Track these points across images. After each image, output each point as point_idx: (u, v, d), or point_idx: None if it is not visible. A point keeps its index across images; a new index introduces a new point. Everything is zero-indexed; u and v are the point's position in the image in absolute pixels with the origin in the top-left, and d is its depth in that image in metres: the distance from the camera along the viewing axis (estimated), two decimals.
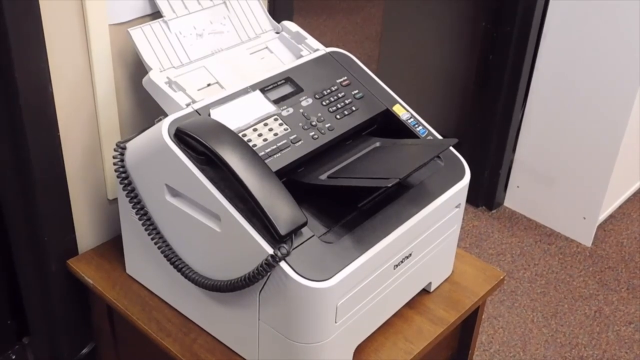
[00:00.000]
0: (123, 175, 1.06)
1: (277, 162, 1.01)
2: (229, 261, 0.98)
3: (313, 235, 0.95)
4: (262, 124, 1.05)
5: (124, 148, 1.07)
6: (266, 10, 1.25)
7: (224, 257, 0.99)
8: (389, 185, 0.91)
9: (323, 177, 1.05)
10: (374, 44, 3.32)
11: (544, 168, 2.31)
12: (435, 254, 1.15)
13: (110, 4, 1.14)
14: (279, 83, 1.11)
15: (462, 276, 1.25)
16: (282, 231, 0.90)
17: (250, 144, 1.01)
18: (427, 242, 1.11)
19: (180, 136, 0.97)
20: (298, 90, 1.12)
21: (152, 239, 1.07)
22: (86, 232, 1.28)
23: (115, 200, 1.18)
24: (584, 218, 2.27)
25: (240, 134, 1.02)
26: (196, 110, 1.03)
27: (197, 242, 1.02)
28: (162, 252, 1.06)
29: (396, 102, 1.17)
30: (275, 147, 1.02)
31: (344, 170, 1.07)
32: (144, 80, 1.10)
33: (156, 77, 1.08)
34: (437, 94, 2.56)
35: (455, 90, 2.51)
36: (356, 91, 1.15)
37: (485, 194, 2.43)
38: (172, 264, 1.05)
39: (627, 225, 2.38)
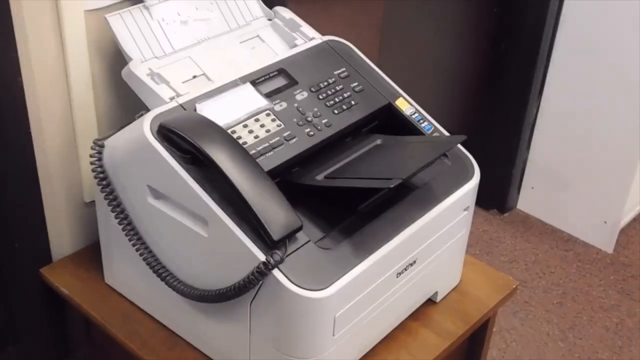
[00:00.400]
0: (101, 175, 1.07)
1: (270, 161, 1.01)
2: (217, 269, 0.99)
3: (309, 241, 0.95)
4: (253, 119, 1.05)
5: (102, 146, 1.07)
6: None
7: (212, 264, 0.99)
8: (392, 186, 0.92)
9: (319, 177, 1.05)
10: (375, 32, 3.33)
11: (561, 167, 2.32)
12: (441, 261, 1.15)
13: None
14: (271, 75, 1.12)
15: (471, 285, 1.25)
16: (275, 236, 0.90)
17: (240, 141, 1.01)
18: (433, 248, 1.11)
19: (164, 133, 0.97)
20: (292, 82, 1.12)
21: (133, 245, 1.07)
22: (61, 238, 1.28)
23: (93, 203, 1.18)
24: (605, 222, 2.28)
25: (229, 131, 1.02)
26: (181, 105, 1.03)
27: (182, 249, 1.03)
28: (144, 259, 1.06)
29: (399, 95, 1.18)
30: (267, 144, 1.03)
31: (342, 170, 1.07)
32: (124, 71, 1.10)
33: (137, 68, 1.09)
34: (443, 86, 2.57)
35: (464, 83, 2.51)
36: (355, 84, 1.16)
37: (497, 195, 2.43)
38: (155, 272, 1.06)
39: None
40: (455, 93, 2.55)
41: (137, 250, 1.07)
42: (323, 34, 1.22)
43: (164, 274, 1.05)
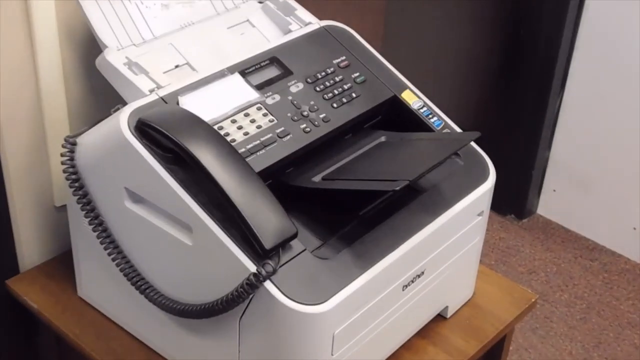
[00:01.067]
0: (73, 177, 1.07)
1: (261, 161, 1.01)
2: (203, 281, 0.99)
3: (305, 250, 0.95)
4: (242, 114, 1.05)
5: (74, 144, 1.07)
6: None
7: (197, 275, 0.99)
8: (397, 188, 0.92)
9: (317, 178, 1.05)
10: (378, 17, 3.33)
11: (585, 168, 2.32)
12: (452, 272, 1.15)
13: None
14: (262, 64, 1.12)
15: (485, 299, 1.25)
16: (267, 244, 0.90)
17: (228, 138, 1.01)
18: (443, 258, 1.11)
19: (143, 129, 0.97)
20: (286, 73, 1.12)
21: (109, 254, 1.07)
22: (29, 246, 1.28)
23: (64, 207, 1.18)
24: (634, 228, 2.28)
25: (215, 127, 1.02)
26: (162, 98, 1.03)
27: (163, 258, 1.03)
28: (121, 270, 1.06)
29: (405, 87, 1.18)
30: (258, 142, 1.03)
31: (342, 171, 1.07)
32: (98, 60, 1.10)
33: (113, 57, 1.09)
34: (455, 77, 2.57)
35: (477, 73, 2.51)
36: (357, 74, 1.16)
37: (514, 199, 2.44)
38: (133, 284, 1.06)
39: None
40: (468, 85, 2.56)
41: (113, 259, 1.07)
42: (320, 19, 1.22)
43: (143, 286, 1.05)
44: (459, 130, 1.17)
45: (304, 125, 1.07)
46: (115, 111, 1.04)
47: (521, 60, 2.26)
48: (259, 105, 1.07)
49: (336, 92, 1.12)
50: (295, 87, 1.11)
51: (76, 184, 1.07)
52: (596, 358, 2.01)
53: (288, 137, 1.05)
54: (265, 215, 0.92)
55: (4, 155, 1.19)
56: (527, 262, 2.29)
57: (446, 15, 2.52)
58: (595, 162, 2.29)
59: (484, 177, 1.13)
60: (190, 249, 0.97)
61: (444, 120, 1.16)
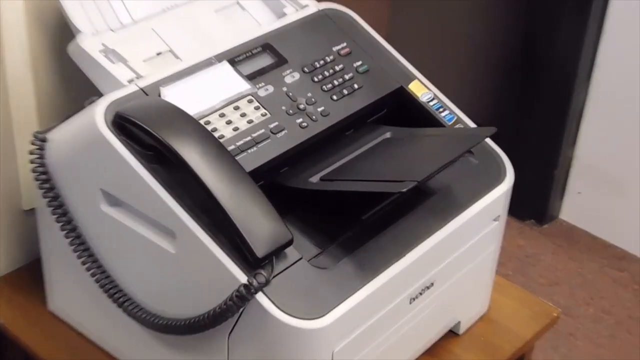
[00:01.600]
0: (43, 177, 1.07)
1: (253, 160, 1.02)
2: (188, 293, 0.99)
3: (301, 258, 0.96)
4: (231, 107, 1.06)
5: (45, 140, 1.07)
6: None
7: (181, 287, 1.00)
8: (404, 190, 0.92)
9: (314, 179, 1.06)
10: (382, 1, 3.33)
11: (614, 168, 2.32)
12: (465, 283, 1.16)
13: None
14: (254, 52, 1.12)
15: (501, 313, 1.26)
16: (260, 252, 0.91)
17: (216, 134, 1.02)
18: (455, 267, 1.12)
19: (121, 124, 0.98)
20: (280, 61, 1.12)
21: (83, 263, 1.07)
22: None
23: (33, 211, 1.18)
24: None
25: (202, 122, 1.02)
26: (142, 89, 1.04)
27: (144, 268, 1.03)
28: (96, 280, 1.07)
29: (413, 77, 1.18)
30: (249, 139, 1.03)
31: (342, 171, 1.08)
32: (70, 47, 1.10)
33: (87, 43, 1.09)
34: (469, 66, 2.57)
35: (493, 61, 2.52)
36: (359, 63, 1.16)
37: (534, 202, 2.44)
38: (110, 296, 1.06)
39: None
40: (482, 74, 2.56)
41: (87, 269, 1.07)
42: (319, 1, 1.22)
43: (120, 299, 1.05)
44: (472, 125, 1.17)
45: (301, 120, 1.08)
46: (89, 104, 1.04)
47: (541, 46, 2.26)
48: (250, 97, 1.07)
49: (336, 82, 1.13)
50: (291, 77, 1.11)
51: (46, 185, 1.07)
52: None
53: (283, 133, 1.06)
54: (257, 220, 0.92)
55: None
56: (549, 272, 2.30)
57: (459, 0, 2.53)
58: (625, 160, 2.29)
59: (500, 178, 1.14)
60: (174, 257, 0.98)
61: (456, 115, 1.17)
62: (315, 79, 1.12)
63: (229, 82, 1.08)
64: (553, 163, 2.37)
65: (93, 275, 1.07)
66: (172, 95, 1.04)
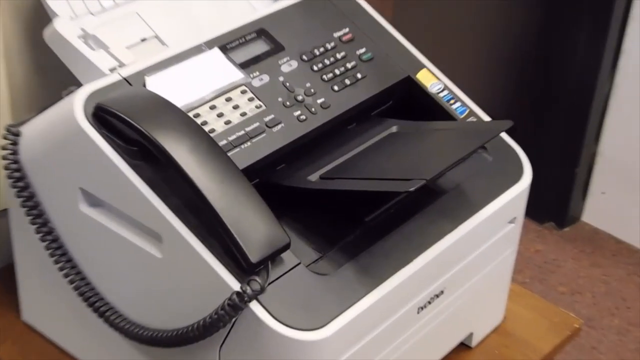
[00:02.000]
0: (17, 175, 1.07)
1: (246, 156, 1.02)
2: (175, 301, 0.99)
3: (299, 264, 0.96)
4: (223, 98, 1.06)
5: (18, 134, 1.07)
6: None
7: (168, 295, 1.00)
8: (411, 189, 0.92)
9: (314, 177, 1.06)
10: None
11: None
12: (479, 291, 1.16)
13: None
14: (248, 38, 1.12)
15: (517, 324, 1.26)
16: (254, 257, 0.91)
17: (206, 128, 1.02)
18: (467, 274, 1.12)
19: (102, 116, 0.98)
20: (276, 48, 1.13)
21: (61, 268, 1.07)
22: None
23: (5, 212, 1.18)
24: None
25: (191, 114, 1.03)
26: (125, 78, 1.04)
27: (127, 274, 1.03)
28: (75, 288, 1.07)
29: (422, 66, 1.18)
30: (243, 133, 1.03)
31: (344, 168, 1.08)
32: (47, 33, 1.10)
33: (65, 28, 1.09)
34: (481, 54, 2.57)
35: (509, 49, 2.52)
36: (363, 50, 1.17)
37: (554, 203, 2.44)
38: (90, 305, 1.06)
39: None
40: (498, 63, 2.56)
41: (65, 275, 1.07)
42: None
43: (101, 309, 1.05)
44: (486, 118, 1.17)
45: (299, 113, 1.08)
46: (67, 94, 1.04)
47: (562, 33, 2.26)
48: (243, 87, 1.07)
49: (337, 72, 1.13)
50: (288, 65, 1.12)
51: (20, 184, 1.07)
52: None
53: (279, 126, 1.06)
54: (251, 222, 0.92)
55: None
56: (570, 280, 2.30)
57: None
58: None
59: (517, 176, 1.14)
60: (160, 263, 0.98)
61: (469, 107, 1.17)
62: (315, 68, 1.12)
63: (220, 71, 1.08)
64: (574, 160, 2.38)
65: (71, 282, 1.07)
66: (158, 85, 1.04)
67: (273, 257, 0.93)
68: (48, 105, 1.06)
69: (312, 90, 1.10)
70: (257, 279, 0.91)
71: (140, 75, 1.05)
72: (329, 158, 1.09)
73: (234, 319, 0.93)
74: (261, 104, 1.07)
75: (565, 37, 2.25)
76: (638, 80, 2.25)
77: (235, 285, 0.92)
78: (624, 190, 2.37)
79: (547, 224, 2.47)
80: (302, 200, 1.05)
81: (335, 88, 1.12)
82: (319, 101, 1.10)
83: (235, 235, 0.91)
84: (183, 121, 0.97)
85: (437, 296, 1.08)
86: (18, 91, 1.24)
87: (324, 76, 1.12)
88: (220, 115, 1.04)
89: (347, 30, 1.18)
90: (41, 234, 1.08)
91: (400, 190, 0.97)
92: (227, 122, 1.04)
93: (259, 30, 1.13)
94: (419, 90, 1.17)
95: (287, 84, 1.09)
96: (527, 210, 1.18)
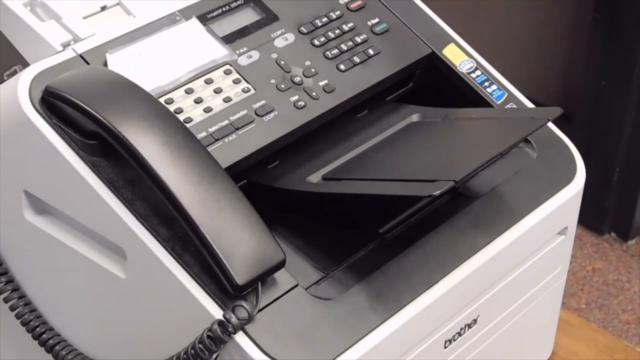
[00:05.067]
0: None
1: (231, 152, 1.02)
2: (143, 332, 0.99)
3: (296, 285, 0.96)
4: (202, 80, 1.06)
5: None
6: None
7: (134, 325, 1.00)
8: (436, 193, 0.92)
9: (314, 178, 1.06)
10: None
11: None
12: (520, 320, 1.16)
13: None
14: (233, 5, 1.12)
15: None
16: (241, 278, 0.91)
17: (181, 116, 1.02)
18: (506, 299, 1.12)
19: (53, 102, 0.98)
20: (269, 18, 1.13)
21: (0, 291, 1.08)
22: None
23: None
24: None
25: (162, 100, 1.03)
26: (81, 55, 1.04)
27: (83, 298, 1.03)
28: (17, 316, 1.07)
29: (449, 40, 1.19)
30: (227, 123, 1.04)
31: (352, 167, 1.08)
32: None
33: None
34: (523, 24, 2.57)
35: (557, 20, 2.52)
36: (376, 20, 1.17)
37: (616, 211, 2.44)
38: (36, 338, 1.06)
39: None
40: (542, 36, 2.56)
41: (5, 300, 1.07)
42: None
43: (50, 342, 1.06)
44: (529, 104, 1.17)
45: (296, 98, 1.08)
46: (10, 76, 1.04)
47: (623, 4, 2.27)
48: (227, 67, 1.08)
49: (344, 47, 1.13)
50: (283, 39, 1.12)
51: None
52: None
53: (271, 115, 1.06)
54: (237, 234, 0.92)
55: None
56: (637, 305, 2.30)
57: None
58: None
59: (568, 177, 1.14)
60: (124, 284, 0.98)
61: (508, 90, 1.17)
62: (317, 43, 1.13)
63: (198, 46, 1.08)
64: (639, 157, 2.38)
65: (13, 308, 1.07)
66: (122, 63, 1.04)
67: (264, 277, 0.93)
68: None
69: (313, 70, 1.10)
70: (244, 304, 0.91)
71: (100, 51, 1.05)
72: (334, 154, 1.10)
73: (215, 355, 0.93)
74: (249, 87, 1.07)
75: (620, 8, 2.26)
76: None
77: (217, 313, 0.92)
78: None
79: (608, 235, 2.47)
80: (300, 207, 1.05)
81: (342, 67, 1.12)
82: (321, 83, 1.10)
83: (218, 251, 0.91)
84: (152, 108, 0.97)
85: (469, 326, 1.08)
86: None
87: (328, 52, 1.12)
88: (198, 101, 1.04)
89: None
90: None
91: (423, 195, 0.97)
92: (207, 110, 1.04)
93: None
94: (446, 69, 1.17)
95: (282, 63, 1.10)
96: (581, 219, 1.18)
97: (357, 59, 1.13)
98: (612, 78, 2.33)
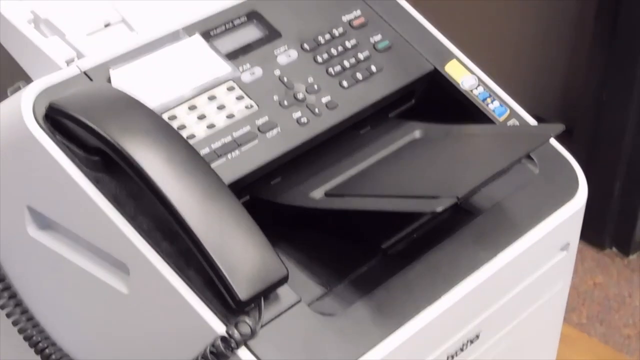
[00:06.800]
0: None
1: (234, 168, 1.02)
2: (145, 348, 0.99)
3: (299, 301, 0.96)
4: (205, 97, 1.06)
5: None
6: None
7: (136, 340, 1.00)
8: (439, 210, 0.92)
9: (317, 194, 1.06)
10: None
11: None
12: (523, 335, 1.16)
13: None
14: (236, 23, 1.12)
15: None
16: (243, 294, 0.91)
17: (185, 133, 1.02)
18: (508, 314, 1.12)
19: (56, 119, 0.98)
20: (272, 35, 1.13)
21: (2, 307, 1.07)
22: None
23: None
24: None
25: (166, 116, 1.03)
26: (85, 73, 1.04)
27: (86, 314, 1.03)
28: (20, 331, 1.07)
29: (451, 56, 1.19)
30: (230, 139, 1.04)
31: (354, 183, 1.08)
32: None
33: (11, 10, 1.09)
34: (525, 40, 2.58)
35: (558, 35, 2.52)
36: (378, 37, 1.17)
37: (617, 225, 2.44)
38: (38, 352, 1.06)
39: None
40: (544, 51, 2.56)
41: (8, 315, 1.07)
42: None
43: (53, 356, 1.06)
44: (532, 121, 1.17)
45: (299, 114, 1.08)
46: (13, 91, 1.04)
47: (624, 18, 2.27)
48: (230, 83, 1.08)
49: (347, 64, 1.13)
50: (286, 56, 1.12)
51: None
52: None
53: (274, 131, 1.06)
54: (239, 250, 0.92)
55: None
56: (638, 319, 2.29)
57: None
58: None
59: (570, 193, 1.14)
60: (127, 300, 0.98)
61: (510, 107, 1.17)
62: (319, 59, 1.12)
63: (201, 62, 1.08)
64: None
65: (16, 323, 1.07)
66: (125, 80, 1.04)
67: (267, 293, 0.93)
68: None
69: (316, 87, 1.10)
70: (247, 320, 0.91)
71: (104, 68, 1.05)
72: (336, 170, 1.09)
73: None
74: (252, 103, 1.07)
75: (624, 19, 2.26)
76: None
77: (220, 329, 0.92)
78: None
79: (609, 250, 2.47)
80: (302, 222, 1.05)
81: (345, 84, 1.12)
82: (323, 100, 1.10)
83: (220, 266, 0.91)
84: (155, 125, 0.97)
85: (472, 342, 1.08)
86: None
87: (330, 69, 1.12)
88: (201, 117, 1.04)
89: (358, 12, 1.18)
90: None
91: (426, 211, 0.97)
92: (211, 126, 1.04)
93: (251, 12, 1.14)
94: (448, 86, 1.17)
95: (285, 79, 1.10)
96: (582, 233, 1.18)
97: (359, 76, 1.13)
98: (613, 92, 2.33)
